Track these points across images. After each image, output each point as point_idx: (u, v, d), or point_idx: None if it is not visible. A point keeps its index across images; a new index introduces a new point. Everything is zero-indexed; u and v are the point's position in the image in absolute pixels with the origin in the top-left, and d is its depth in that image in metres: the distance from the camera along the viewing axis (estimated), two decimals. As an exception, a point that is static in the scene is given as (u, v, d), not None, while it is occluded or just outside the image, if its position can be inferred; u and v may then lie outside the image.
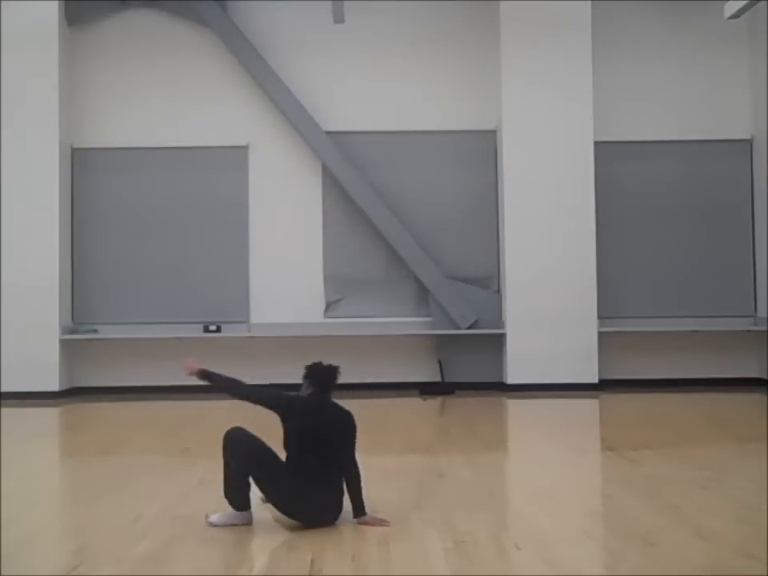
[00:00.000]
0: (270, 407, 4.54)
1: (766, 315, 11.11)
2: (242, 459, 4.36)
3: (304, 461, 4.36)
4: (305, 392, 4.60)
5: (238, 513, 4.41)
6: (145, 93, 11.42)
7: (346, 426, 4.49)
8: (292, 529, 4.32)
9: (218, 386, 4.63)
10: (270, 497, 4.44)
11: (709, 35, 11.52)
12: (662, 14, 11.62)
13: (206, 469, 5.08)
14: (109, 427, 8.71)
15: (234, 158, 11.40)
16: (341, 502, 4.45)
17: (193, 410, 9.92)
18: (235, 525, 4.36)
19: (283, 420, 4.51)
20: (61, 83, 11.03)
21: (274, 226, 11.42)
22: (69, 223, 11.26)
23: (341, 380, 4.66)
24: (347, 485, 4.42)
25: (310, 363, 4.68)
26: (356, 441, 4.51)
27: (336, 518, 4.43)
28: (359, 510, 4.40)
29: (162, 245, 11.32)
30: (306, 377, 4.62)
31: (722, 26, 10.78)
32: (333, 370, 4.61)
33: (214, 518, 4.41)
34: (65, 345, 10.98)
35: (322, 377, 4.58)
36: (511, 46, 11.02)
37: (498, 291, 11.29)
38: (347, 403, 4.60)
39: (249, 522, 4.40)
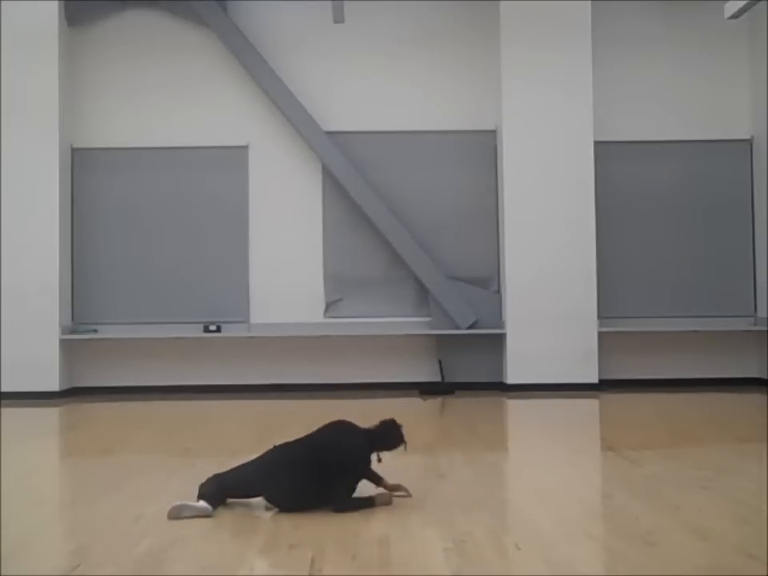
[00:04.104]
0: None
1: (765, 315, 11.11)
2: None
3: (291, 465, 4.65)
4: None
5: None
6: (145, 93, 11.42)
7: (352, 467, 4.70)
8: (292, 529, 4.33)
9: None
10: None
11: (709, 35, 11.52)
12: (662, 14, 11.63)
13: (206, 469, 5.07)
14: (109, 427, 8.71)
15: (234, 157, 11.40)
16: (309, 491, 4.64)
17: (193, 410, 9.92)
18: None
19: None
20: (61, 83, 11.03)
21: (274, 226, 11.42)
22: (69, 223, 11.25)
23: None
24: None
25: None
26: (349, 477, 4.67)
27: (304, 504, 4.62)
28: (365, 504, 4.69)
29: (162, 245, 11.32)
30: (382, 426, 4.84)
31: (722, 26, 10.79)
32: (397, 431, 4.81)
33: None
34: (65, 345, 10.98)
35: (385, 433, 4.80)
36: (511, 46, 11.02)
37: (498, 291, 11.29)
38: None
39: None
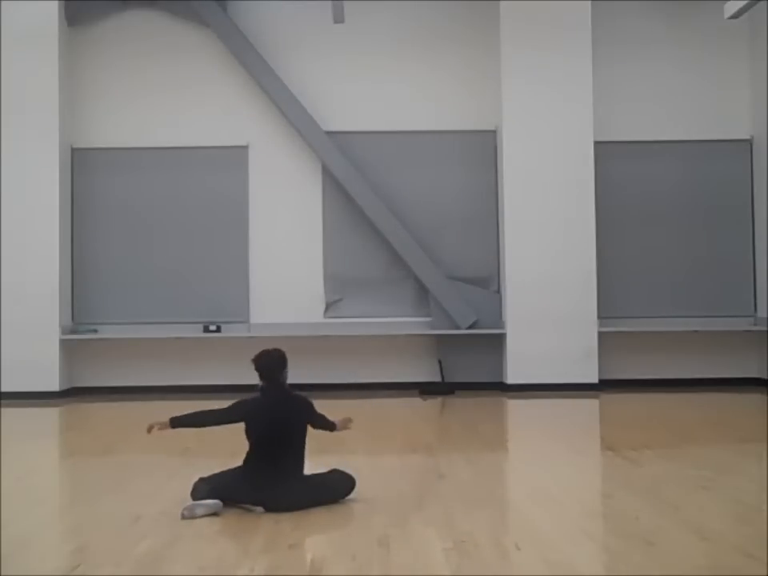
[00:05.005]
0: (230, 422, 4.92)
1: (765, 315, 11.11)
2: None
3: (260, 452, 4.76)
4: (261, 386, 5.03)
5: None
6: (145, 93, 11.42)
7: (299, 412, 4.94)
8: (292, 529, 4.33)
9: (182, 426, 4.92)
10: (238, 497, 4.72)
11: (709, 35, 11.52)
12: (662, 14, 11.62)
13: (206, 469, 5.08)
14: (109, 427, 8.71)
15: (234, 158, 11.40)
16: (305, 489, 4.74)
17: (193, 410, 9.91)
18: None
19: (244, 423, 4.89)
20: (61, 83, 11.03)
21: (274, 226, 11.42)
22: (69, 223, 11.25)
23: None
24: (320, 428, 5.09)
25: (254, 355, 5.02)
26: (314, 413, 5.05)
27: (301, 505, 4.65)
28: (330, 428, 5.12)
29: (162, 245, 11.32)
30: (255, 370, 5.02)
31: (722, 25, 10.79)
32: (271, 356, 4.98)
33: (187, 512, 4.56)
34: (65, 345, 10.98)
35: (262, 366, 4.97)
36: (511, 46, 11.02)
37: (498, 291, 11.29)
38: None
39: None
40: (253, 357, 4.98)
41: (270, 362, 4.96)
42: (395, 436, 7.67)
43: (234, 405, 4.96)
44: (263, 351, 5.00)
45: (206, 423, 4.95)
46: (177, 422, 4.85)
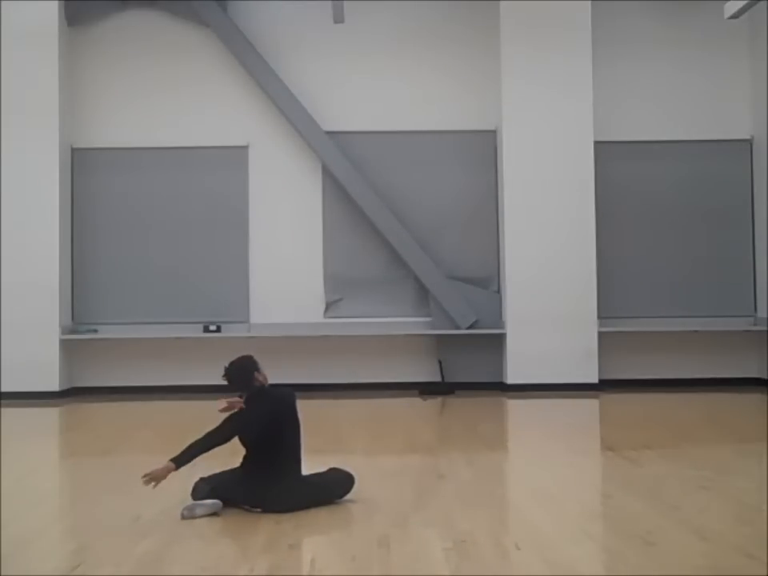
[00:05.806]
0: (225, 441, 4.79)
1: (765, 315, 11.11)
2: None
3: (256, 456, 4.79)
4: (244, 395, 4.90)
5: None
6: (145, 93, 11.42)
7: (285, 410, 4.85)
8: (292, 529, 4.33)
9: (188, 462, 4.72)
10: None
11: (709, 35, 11.52)
12: (662, 14, 11.63)
13: (206, 469, 5.08)
14: (109, 427, 8.71)
15: (234, 158, 11.40)
16: (303, 489, 4.72)
17: (193, 410, 9.91)
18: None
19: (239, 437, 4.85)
20: (61, 83, 11.03)
21: (274, 226, 11.42)
22: (69, 223, 11.25)
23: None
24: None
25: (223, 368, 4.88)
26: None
27: (300, 505, 4.64)
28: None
29: (162, 245, 11.32)
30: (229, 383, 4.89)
31: (722, 25, 10.79)
32: (239, 366, 4.86)
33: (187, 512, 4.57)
34: (65, 345, 10.98)
35: (235, 379, 4.85)
36: (511, 46, 11.02)
37: (498, 291, 11.29)
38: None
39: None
40: (222, 374, 4.85)
41: (241, 372, 4.85)
42: (395, 436, 7.68)
43: (223, 423, 4.84)
44: (229, 364, 4.87)
45: (204, 451, 4.74)
46: (181, 461, 4.64)
